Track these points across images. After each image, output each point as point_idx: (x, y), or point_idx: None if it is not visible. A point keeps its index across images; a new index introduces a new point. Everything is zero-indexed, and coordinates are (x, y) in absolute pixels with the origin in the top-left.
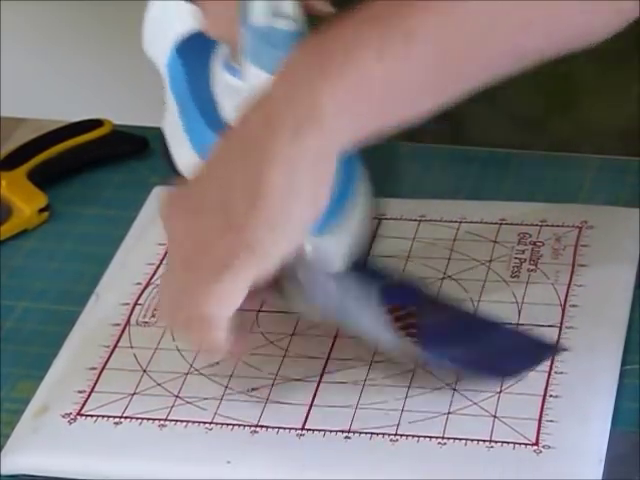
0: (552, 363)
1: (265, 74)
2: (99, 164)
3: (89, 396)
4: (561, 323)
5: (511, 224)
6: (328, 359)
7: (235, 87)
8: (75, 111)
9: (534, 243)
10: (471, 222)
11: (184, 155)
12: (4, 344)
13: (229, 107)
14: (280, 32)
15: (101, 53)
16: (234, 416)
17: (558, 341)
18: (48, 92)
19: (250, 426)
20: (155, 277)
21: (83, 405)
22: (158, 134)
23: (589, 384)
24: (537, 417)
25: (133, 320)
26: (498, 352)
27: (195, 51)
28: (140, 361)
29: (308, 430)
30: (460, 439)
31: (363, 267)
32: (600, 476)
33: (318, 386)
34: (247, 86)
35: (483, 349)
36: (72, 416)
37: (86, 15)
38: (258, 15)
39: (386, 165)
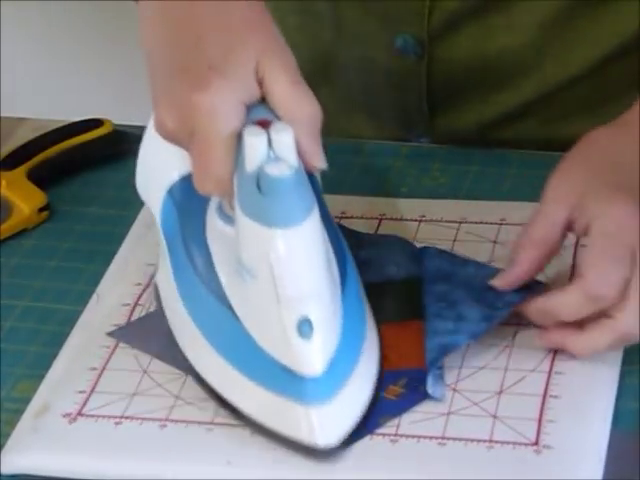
0: (552, 363)
1: (254, 223)
2: (99, 164)
3: (90, 396)
4: None
5: (511, 224)
6: None
7: (226, 235)
8: (75, 111)
9: None
10: (471, 222)
11: (174, 309)
12: (4, 344)
13: (219, 256)
14: (272, 179)
15: (101, 53)
16: (234, 416)
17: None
18: (48, 92)
19: (250, 426)
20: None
21: (84, 405)
22: None
23: (589, 384)
24: (537, 417)
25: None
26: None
27: (189, 195)
28: (140, 362)
29: None
30: (460, 439)
31: None
32: (600, 476)
33: None
34: (236, 233)
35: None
36: (73, 416)
37: (86, 15)
38: (251, 160)
39: (386, 165)
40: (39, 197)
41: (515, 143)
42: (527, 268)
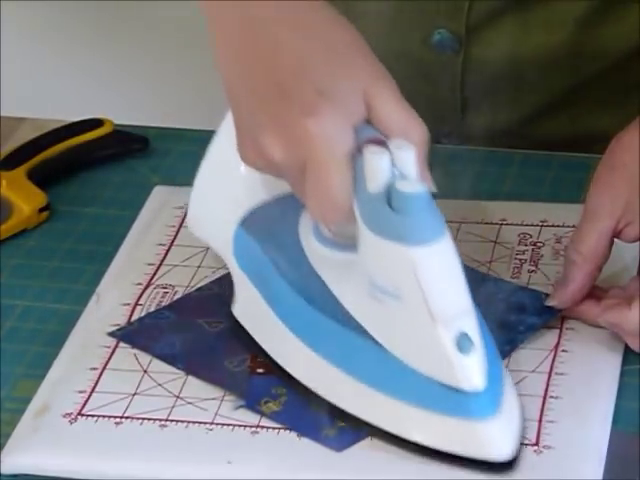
0: (552, 364)
1: (392, 244)
2: (99, 164)
3: (90, 396)
4: (561, 324)
5: (511, 224)
6: None
7: (335, 261)
8: (75, 111)
9: (535, 244)
10: (471, 222)
11: (284, 344)
12: (4, 344)
13: (336, 283)
14: (408, 196)
15: (101, 53)
16: (235, 417)
17: (559, 340)
18: (48, 92)
19: (251, 427)
20: (155, 277)
21: (84, 405)
22: (158, 134)
23: (589, 384)
24: (537, 418)
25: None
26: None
27: (268, 225)
28: (141, 361)
29: None
30: None
31: None
32: (600, 476)
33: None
34: (363, 256)
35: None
36: (73, 416)
37: (86, 15)
38: (376, 180)
39: None
40: (39, 197)
41: (544, 141)
42: (582, 284)
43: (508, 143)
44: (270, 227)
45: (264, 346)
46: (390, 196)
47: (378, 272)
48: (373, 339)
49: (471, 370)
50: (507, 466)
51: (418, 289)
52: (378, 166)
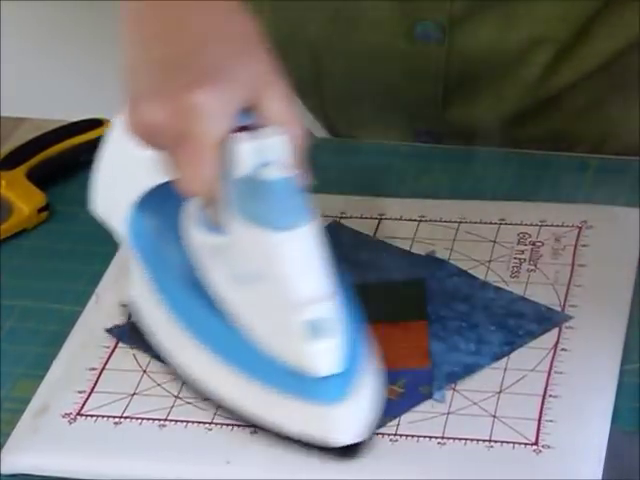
0: (552, 363)
1: (255, 227)
2: None
3: (89, 396)
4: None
5: (511, 224)
6: None
7: (213, 245)
8: (75, 111)
9: (534, 243)
10: (470, 222)
11: (163, 325)
12: (4, 344)
13: (210, 265)
14: (273, 183)
15: (101, 53)
16: (234, 416)
17: (558, 339)
18: (48, 92)
19: (250, 426)
20: None
21: (83, 405)
22: None
23: (589, 384)
24: (537, 417)
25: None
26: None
27: (158, 209)
28: (140, 361)
29: None
30: (460, 439)
31: None
32: (600, 476)
33: None
34: (231, 241)
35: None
36: (72, 416)
37: (86, 15)
38: (243, 167)
39: (385, 165)
40: (39, 197)
41: (523, 141)
42: None
43: (486, 142)
44: (161, 209)
45: (155, 332)
46: (259, 182)
47: (242, 256)
48: (241, 324)
49: (319, 356)
50: (349, 451)
51: (277, 273)
52: (243, 152)
